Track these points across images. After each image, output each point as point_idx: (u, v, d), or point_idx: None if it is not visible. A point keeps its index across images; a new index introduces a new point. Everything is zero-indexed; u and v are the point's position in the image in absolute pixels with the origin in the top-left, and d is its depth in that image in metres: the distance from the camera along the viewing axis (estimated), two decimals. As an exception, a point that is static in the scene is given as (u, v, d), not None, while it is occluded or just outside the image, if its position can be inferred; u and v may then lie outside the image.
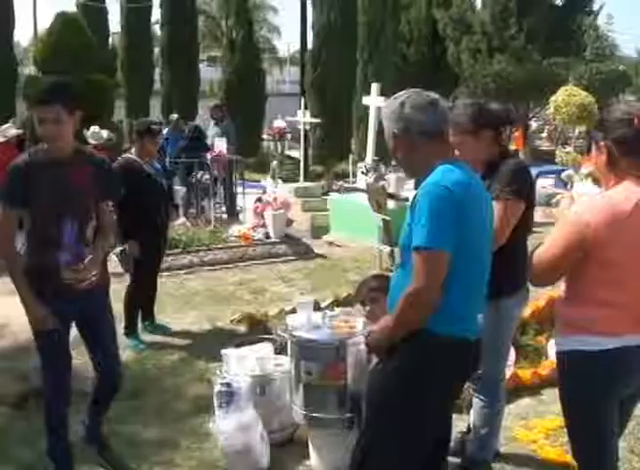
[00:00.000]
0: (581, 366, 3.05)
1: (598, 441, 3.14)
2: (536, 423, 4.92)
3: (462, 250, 2.92)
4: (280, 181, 14.22)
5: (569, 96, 16.15)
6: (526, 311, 5.98)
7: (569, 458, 4.39)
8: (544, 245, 3.08)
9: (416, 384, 3.04)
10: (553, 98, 16.57)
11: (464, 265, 2.95)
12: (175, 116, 15.69)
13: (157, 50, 28.98)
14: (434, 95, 3.14)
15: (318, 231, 11.74)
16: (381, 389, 3.14)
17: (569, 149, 16.36)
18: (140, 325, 6.80)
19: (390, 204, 10.00)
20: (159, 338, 6.75)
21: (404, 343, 3.03)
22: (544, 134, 24.82)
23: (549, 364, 5.74)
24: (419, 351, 3.02)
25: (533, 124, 26.42)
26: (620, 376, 3.04)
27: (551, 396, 5.39)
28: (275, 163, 16.12)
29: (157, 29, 31.73)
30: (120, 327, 6.69)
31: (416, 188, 3.24)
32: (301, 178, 14.84)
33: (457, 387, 3.32)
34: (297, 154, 18.32)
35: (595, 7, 27.98)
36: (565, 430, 4.73)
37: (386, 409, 3.13)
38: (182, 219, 10.38)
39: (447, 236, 2.88)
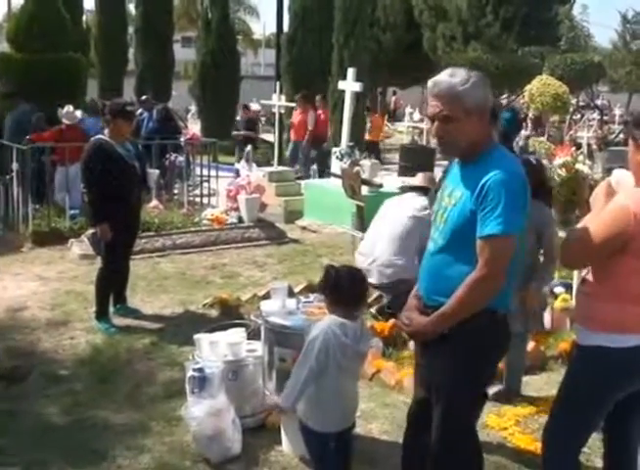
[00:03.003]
0: (610, 361, 3.13)
1: (587, 429, 3.30)
2: (507, 410, 4.96)
3: (521, 231, 3.09)
4: (254, 165, 14.14)
5: (543, 85, 16.19)
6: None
7: (539, 446, 4.45)
8: (582, 228, 3.15)
9: (483, 360, 3.20)
10: (528, 87, 16.61)
11: (519, 245, 3.09)
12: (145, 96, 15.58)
13: (131, 30, 28.60)
14: None
15: (291, 216, 11.71)
16: (452, 374, 3.19)
17: (542, 138, 16.42)
18: (111, 308, 6.74)
19: (365, 190, 9.99)
20: (130, 321, 6.69)
21: (467, 323, 3.09)
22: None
23: (520, 352, 5.79)
24: (481, 328, 3.10)
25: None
26: None
27: (522, 383, 5.44)
28: (249, 146, 16.00)
29: (131, 9, 31.38)
30: (92, 310, 6.67)
31: (464, 169, 3.21)
32: (275, 162, 14.74)
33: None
34: (272, 137, 18.23)
35: (571, -3, 28.21)
36: (535, 417, 4.83)
37: (462, 391, 3.20)
38: (155, 202, 10.29)
39: (520, 222, 3.03)
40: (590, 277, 3.23)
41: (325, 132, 16.96)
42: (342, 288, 3.60)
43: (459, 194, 3.12)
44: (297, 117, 16.75)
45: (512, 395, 5.18)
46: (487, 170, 3.02)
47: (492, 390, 5.01)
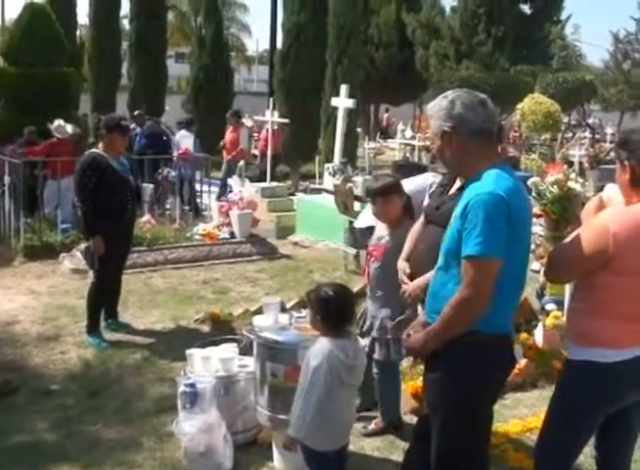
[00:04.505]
0: (598, 375, 3.15)
1: (577, 443, 3.30)
2: (499, 427, 4.92)
3: (510, 254, 3.01)
4: (247, 181, 14.14)
5: (535, 104, 16.33)
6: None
7: (532, 464, 4.44)
8: (565, 244, 3.23)
9: (471, 381, 3.12)
10: (519, 105, 16.73)
11: (511, 268, 3.04)
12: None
13: (125, 44, 28.65)
14: (482, 95, 3.19)
15: (283, 231, 11.70)
16: (442, 392, 3.20)
17: (533, 156, 16.52)
18: (102, 323, 6.71)
19: (357, 206, 10.01)
20: (121, 336, 6.67)
21: (452, 343, 3.09)
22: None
23: (512, 369, 5.77)
24: (468, 350, 3.08)
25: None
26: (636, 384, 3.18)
27: (514, 400, 5.45)
28: (242, 162, 15.98)
29: (125, 24, 31.45)
30: (83, 325, 6.64)
31: (463, 189, 3.25)
32: (268, 178, 14.75)
33: (502, 379, 3.42)
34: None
35: (563, 16, 28.41)
36: (527, 434, 4.82)
37: (452, 410, 3.18)
38: (147, 216, 10.27)
39: (501, 244, 2.97)
40: (577, 293, 3.27)
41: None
42: (334, 312, 3.61)
43: (455, 214, 3.15)
44: (228, 135, 16.12)
45: (389, 430, 4.87)
46: (472, 191, 3.05)
47: (369, 427, 4.87)
